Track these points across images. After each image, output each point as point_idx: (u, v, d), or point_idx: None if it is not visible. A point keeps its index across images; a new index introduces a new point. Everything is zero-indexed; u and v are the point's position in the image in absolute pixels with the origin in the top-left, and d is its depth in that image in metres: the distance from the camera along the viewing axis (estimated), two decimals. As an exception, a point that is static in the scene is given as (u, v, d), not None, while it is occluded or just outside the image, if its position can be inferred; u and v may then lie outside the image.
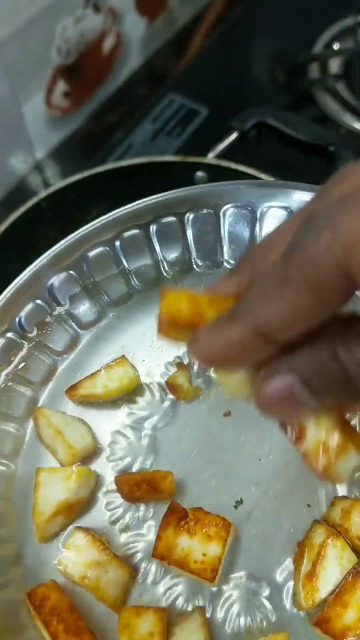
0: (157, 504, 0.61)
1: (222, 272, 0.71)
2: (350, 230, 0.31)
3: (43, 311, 0.67)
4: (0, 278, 0.75)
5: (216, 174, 0.81)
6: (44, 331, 0.67)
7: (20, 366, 0.66)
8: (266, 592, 0.57)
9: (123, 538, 0.60)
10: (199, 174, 0.81)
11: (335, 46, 1.13)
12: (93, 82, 1.08)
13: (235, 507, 0.61)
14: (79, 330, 0.70)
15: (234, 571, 0.58)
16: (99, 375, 0.66)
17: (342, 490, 0.61)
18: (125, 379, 0.65)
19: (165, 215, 0.70)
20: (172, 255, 0.71)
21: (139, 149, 1.03)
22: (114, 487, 0.62)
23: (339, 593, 0.52)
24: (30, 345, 0.66)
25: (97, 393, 0.65)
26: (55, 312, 0.68)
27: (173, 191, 0.68)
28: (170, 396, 0.67)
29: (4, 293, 0.65)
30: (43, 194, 0.76)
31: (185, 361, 0.68)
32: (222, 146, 0.81)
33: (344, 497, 0.60)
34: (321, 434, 0.40)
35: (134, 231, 0.70)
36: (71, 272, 0.68)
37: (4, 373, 0.65)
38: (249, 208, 0.68)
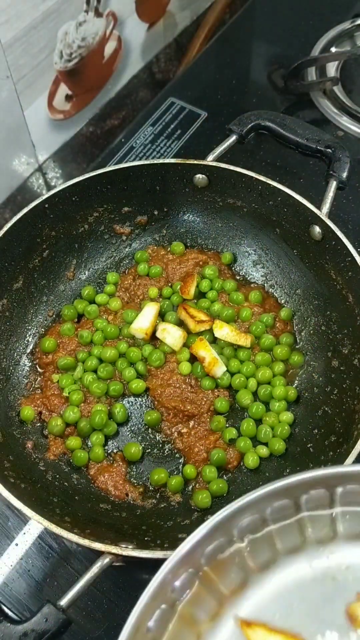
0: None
1: None
2: None
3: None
4: (0, 279, 0.77)
5: (215, 176, 0.82)
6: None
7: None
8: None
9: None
10: (199, 176, 0.83)
11: (333, 50, 1.14)
12: (94, 86, 1.09)
13: None
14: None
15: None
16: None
17: None
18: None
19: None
20: None
21: (140, 152, 1.04)
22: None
23: None
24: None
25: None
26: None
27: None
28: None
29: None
30: (44, 196, 0.77)
31: None
32: (220, 149, 0.82)
33: None
34: None
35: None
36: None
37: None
38: None
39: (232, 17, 1.26)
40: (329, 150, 0.80)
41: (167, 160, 0.82)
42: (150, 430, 0.76)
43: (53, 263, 0.83)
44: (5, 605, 0.53)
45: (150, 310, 0.80)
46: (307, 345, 0.80)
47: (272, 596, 0.47)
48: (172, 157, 1.03)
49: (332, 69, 1.11)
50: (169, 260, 0.87)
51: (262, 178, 0.79)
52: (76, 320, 0.83)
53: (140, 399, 0.78)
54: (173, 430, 0.75)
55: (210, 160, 0.81)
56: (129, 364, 0.79)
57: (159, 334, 0.79)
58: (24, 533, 0.56)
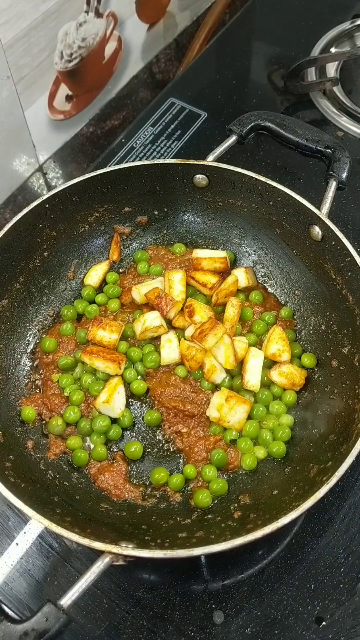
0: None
1: None
2: None
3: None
4: (1, 279, 0.77)
5: (215, 176, 0.82)
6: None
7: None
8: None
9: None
10: (199, 176, 0.83)
11: (333, 50, 1.14)
12: (95, 86, 1.09)
13: None
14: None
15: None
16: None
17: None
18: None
19: None
20: None
21: (140, 152, 1.04)
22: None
23: None
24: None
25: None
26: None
27: None
28: None
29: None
30: (45, 196, 0.78)
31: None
32: (220, 149, 0.82)
33: None
34: None
35: None
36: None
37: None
38: None
39: (232, 17, 1.26)
40: (329, 150, 0.80)
41: (167, 161, 0.82)
42: (150, 429, 0.76)
43: (53, 263, 0.83)
44: (5, 605, 0.53)
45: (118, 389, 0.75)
46: (307, 345, 0.80)
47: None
48: (172, 157, 1.03)
49: (331, 69, 1.11)
50: (169, 260, 0.87)
51: (262, 178, 0.79)
52: (76, 319, 0.83)
53: (140, 399, 0.78)
54: (173, 430, 0.75)
55: (210, 160, 0.82)
56: (131, 364, 0.79)
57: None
58: (25, 532, 0.56)
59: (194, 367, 0.76)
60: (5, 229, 0.75)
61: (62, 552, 0.70)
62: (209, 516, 0.67)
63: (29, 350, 0.79)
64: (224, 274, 0.84)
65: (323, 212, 0.75)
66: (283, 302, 0.84)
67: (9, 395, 0.75)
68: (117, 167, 0.81)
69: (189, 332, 0.78)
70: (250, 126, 0.83)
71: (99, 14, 1.00)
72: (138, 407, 0.78)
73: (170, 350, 0.77)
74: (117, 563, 0.54)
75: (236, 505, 0.68)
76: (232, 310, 0.79)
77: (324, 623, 0.64)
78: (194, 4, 1.26)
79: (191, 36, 1.26)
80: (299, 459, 0.70)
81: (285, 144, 0.83)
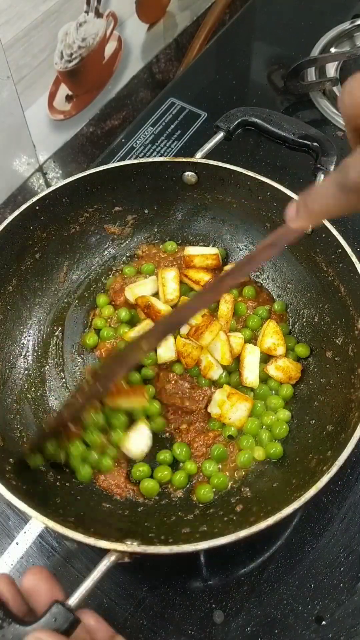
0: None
1: None
2: None
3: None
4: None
5: (204, 173, 0.82)
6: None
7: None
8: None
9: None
10: (187, 173, 0.83)
11: (333, 50, 1.15)
12: (94, 86, 1.09)
13: None
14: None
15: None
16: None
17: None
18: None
19: None
20: None
21: (140, 152, 1.04)
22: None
23: None
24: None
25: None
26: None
27: None
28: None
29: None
30: (34, 198, 0.77)
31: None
32: (208, 146, 0.82)
33: None
34: None
35: None
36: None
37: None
38: None
39: (232, 17, 1.26)
40: (316, 144, 0.80)
41: (155, 159, 0.82)
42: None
43: (45, 265, 0.83)
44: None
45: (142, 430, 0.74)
46: (301, 337, 0.80)
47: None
48: (163, 156, 1.03)
49: (331, 69, 1.11)
50: (161, 258, 0.87)
51: (250, 173, 0.79)
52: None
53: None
54: (172, 427, 0.75)
55: (198, 157, 0.82)
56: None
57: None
58: (25, 532, 0.56)
59: (190, 364, 0.76)
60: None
61: (63, 552, 0.70)
62: (211, 510, 0.68)
63: (24, 353, 0.79)
64: (216, 270, 0.84)
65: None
66: (276, 296, 0.85)
67: (6, 399, 0.74)
68: (105, 167, 0.81)
69: (184, 329, 0.78)
70: (237, 122, 0.83)
71: (99, 14, 1.00)
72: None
73: (166, 348, 0.77)
74: (123, 561, 0.54)
75: (238, 498, 0.68)
76: (225, 307, 0.79)
77: (323, 622, 0.64)
78: (194, 4, 1.26)
79: (191, 36, 1.27)
80: (298, 451, 0.70)
81: (273, 139, 0.83)
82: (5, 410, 0.73)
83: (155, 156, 1.04)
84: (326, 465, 0.60)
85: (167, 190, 0.86)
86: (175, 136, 1.06)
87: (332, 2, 1.25)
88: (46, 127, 1.02)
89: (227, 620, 0.65)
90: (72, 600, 0.50)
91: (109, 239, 0.88)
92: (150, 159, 0.82)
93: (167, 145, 1.05)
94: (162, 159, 0.82)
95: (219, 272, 0.83)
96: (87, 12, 0.97)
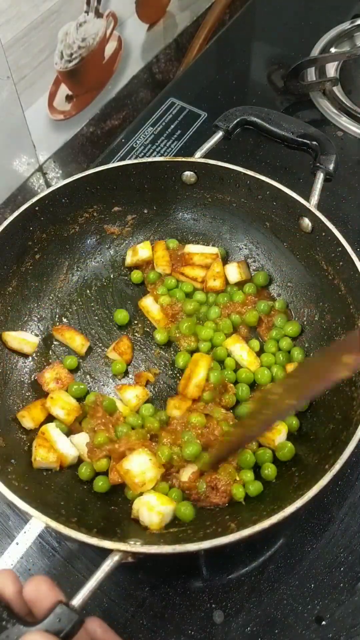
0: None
1: None
2: None
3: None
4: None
5: (203, 172, 0.82)
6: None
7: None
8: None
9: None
10: (187, 173, 0.83)
11: (333, 50, 1.14)
12: (94, 86, 1.09)
13: None
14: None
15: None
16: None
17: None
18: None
19: None
20: None
21: (140, 152, 1.04)
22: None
23: None
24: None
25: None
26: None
27: None
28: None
29: None
30: (34, 199, 0.77)
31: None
32: (207, 145, 0.82)
33: None
34: None
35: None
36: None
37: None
38: None
39: (232, 17, 1.26)
40: (315, 142, 0.80)
41: (155, 159, 0.82)
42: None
43: (45, 265, 0.83)
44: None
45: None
46: (302, 336, 0.80)
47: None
48: (162, 156, 1.03)
49: (331, 69, 1.11)
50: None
51: (250, 172, 0.79)
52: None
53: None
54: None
55: (198, 157, 0.82)
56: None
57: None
58: (25, 532, 0.56)
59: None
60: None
61: (63, 552, 0.70)
62: (215, 510, 0.68)
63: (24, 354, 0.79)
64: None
65: (312, 204, 0.76)
66: (276, 295, 0.85)
67: (7, 400, 0.74)
68: (105, 167, 0.81)
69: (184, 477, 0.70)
70: (236, 121, 0.83)
71: (99, 14, 1.00)
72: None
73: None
74: (126, 561, 0.54)
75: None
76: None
77: (323, 622, 0.64)
78: (194, 4, 1.26)
79: (191, 36, 1.26)
80: (300, 450, 0.70)
81: (272, 138, 0.83)
82: (6, 411, 0.73)
83: (155, 156, 1.04)
84: (328, 463, 0.60)
85: (166, 190, 0.86)
86: (175, 136, 1.06)
87: (332, 2, 1.25)
88: (46, 127, 1.02)
89: (227, 620, 0.65)
90: (76, 601, 0.50)
91: (109, 239, 0.88)
92: (150, 159, 0.82)
93: (167, 145, 1.05)
94: (161, 158, 0.83)
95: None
96: (87, 12, 0.97)
